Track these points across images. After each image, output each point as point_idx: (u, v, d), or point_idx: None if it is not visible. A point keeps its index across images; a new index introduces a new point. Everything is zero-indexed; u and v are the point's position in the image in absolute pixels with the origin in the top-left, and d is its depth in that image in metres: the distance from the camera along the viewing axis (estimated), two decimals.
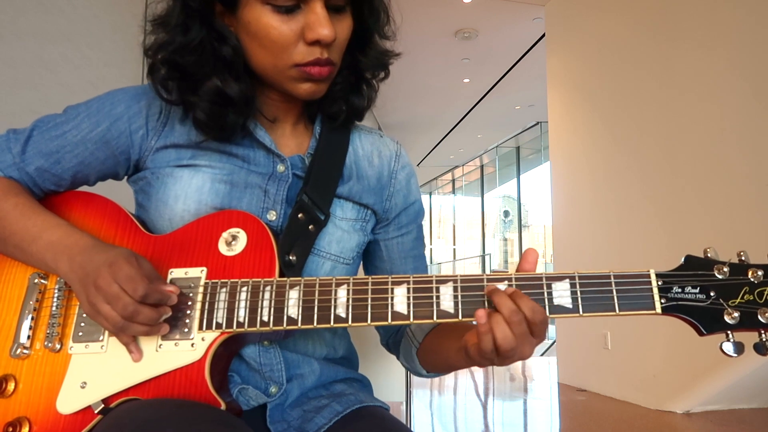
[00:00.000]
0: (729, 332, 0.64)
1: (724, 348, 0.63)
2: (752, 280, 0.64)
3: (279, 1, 0.69)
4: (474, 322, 0.66)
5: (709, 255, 0.66)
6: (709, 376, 3.05)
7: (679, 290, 0.65)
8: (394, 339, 0.94)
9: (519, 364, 6.13)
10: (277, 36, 0.71)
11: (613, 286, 0.66)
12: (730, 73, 2.97)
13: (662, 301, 0.65)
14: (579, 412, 3.53)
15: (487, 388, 4.47)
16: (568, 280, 0.67)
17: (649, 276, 0.66)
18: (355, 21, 0.76)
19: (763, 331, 0.63)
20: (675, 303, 0.65)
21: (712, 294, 0.65)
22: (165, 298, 0.67)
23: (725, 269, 0.65)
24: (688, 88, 3.25)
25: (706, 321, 0.64)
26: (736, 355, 0.63)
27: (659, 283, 0.66)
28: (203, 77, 0.74)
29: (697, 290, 0.65)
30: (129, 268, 0.64)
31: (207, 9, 0.72)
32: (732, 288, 0.64)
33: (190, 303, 0.71)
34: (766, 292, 0.64)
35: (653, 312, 0.65)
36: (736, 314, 0.64)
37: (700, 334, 0.65)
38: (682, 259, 0.67)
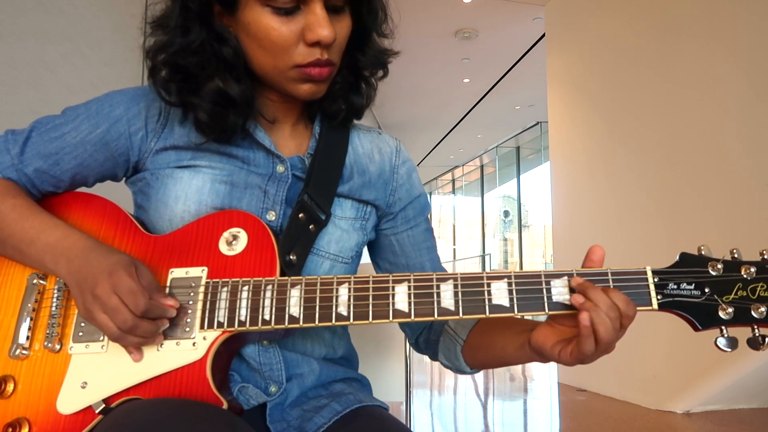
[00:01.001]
0: (723, 327, 0.65)
1: (718, 343, 0.64)
2: (745, 276, 0.65)
3: (279, 3, 0.69)
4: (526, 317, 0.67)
5: (703, 252, 0.68)
6: (709, 376, 3.05)
7: (675, 287, 0.66)
8: (426, 337, 0.93)
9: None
10: (277, 37, 0.71)
11: (611, 283, 0.67)
12: (730, 72, 2.97)
13: (659, 297, 0.66)
14: (579, 412, 3.53)
15: (487, 388, 4.47)
16: (566, 277, 0.67)
17: (645, 273, 0.67)
18: (353, 20, 0.76)
19: (756, 326, 0.64)
20: (671, 299, 0.66)
21: (706, 290, 0.66)
22: (165, 312, 0.67)
23: (719, 266, 0.66)
24: (688, 89, 3.25)
25: (702, 317, 0.65)
26: (729, 350, 0.64)
27: (655, 279, 0.67)
28: (205, 78, 0.74)
29: (692, 287, 0.66)
30: (129, 281, 0.64)
31: (206, 10, 0.72)
32: (726, 284, 0.66)
33: (191, 303, 0.71)
34: (758, 288, 0.65)
35: (650, 308, 0.66)
36: (730, 310, 0.65)
37: (696, 329, 0.66)
38: (677, 257, 0.68)
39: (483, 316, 0.67)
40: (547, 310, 0.67)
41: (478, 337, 0.83)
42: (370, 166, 0.88)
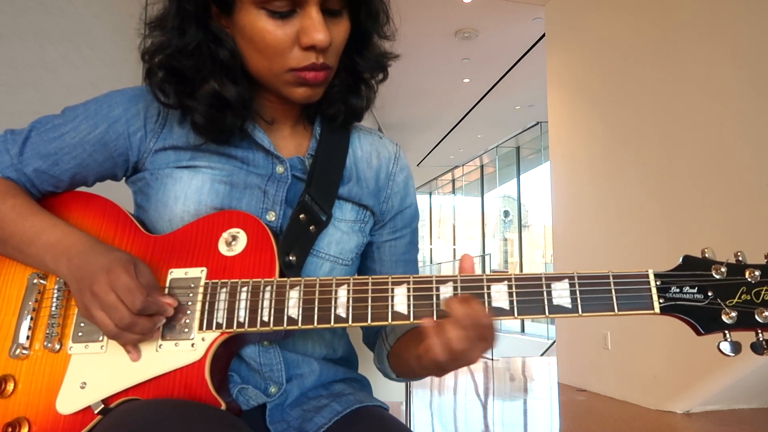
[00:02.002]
0: (726, 332, 0.64)
1: (721, 347, 0.63)
2: (749, 280, 0.65)
3: (274, 6, 0.69)
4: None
5: (706, 255, 0.67)
6: (709, 376, 3.05)
7: (678, 290, 0.65)
8: (372, 340, 0.94)
9: (519, 364, 6.13)
10: (272, 41, 0.70)
11: (612, 286, 0.66)
12: (730, 72, 2.97)
13: (661, 301, 0.65)
14: (579, 412, 3.53)
15: (487, 388, 4.47)
16: (567, 280, 0.67)
17: (647, 276, 0.66)
18: (352, 23, 0.76)
19: (760, 331, 0.63)
20: (673, 303, 0.65)
21: (709, 294, 0.65)
22: (162, 311, 0.67)
23: (723, 269, 0.66)
24: (688, 89, 3.25)
25: (704, 321, 0.64)
26: (733, 354, 0.63)
27: (657, 283, 0.66)
28: (200, 81, 0.73)
29: (695, 290, 0.65)
30: (127, 278, 0.64)
31: (203, 12, 0.72)
32: (729, 288, 0.65)
33: (190, 303, 0.71)
34: (763, 292, 0.64)
35: (652, 312, 0.65)
36: (733, 314, 0.64)
37: (698, 333, 0.65)
38: (680, 260, 0.67)
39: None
40: (547, 313, 0.66)
41: (400, 345, 0.82)
42: (367, 171, 0.87)
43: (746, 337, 0.64)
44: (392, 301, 0.68)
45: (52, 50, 2.03)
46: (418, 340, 0.74)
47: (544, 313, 0.66)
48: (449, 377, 4.75)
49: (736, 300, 0.64)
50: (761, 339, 0.63)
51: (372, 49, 0.81)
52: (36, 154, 0.78)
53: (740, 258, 0.66)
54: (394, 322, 0.68)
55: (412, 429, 0.80)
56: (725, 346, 0.63)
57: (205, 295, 0.71)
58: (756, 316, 0.63)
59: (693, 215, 3.17)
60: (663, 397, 3.33)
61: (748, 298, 0.64)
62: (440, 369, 0.68)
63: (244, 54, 0.74)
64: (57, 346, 0.70)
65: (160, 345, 0.69)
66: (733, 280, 0.65)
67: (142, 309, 0.64)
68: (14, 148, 0.78)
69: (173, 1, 0.72)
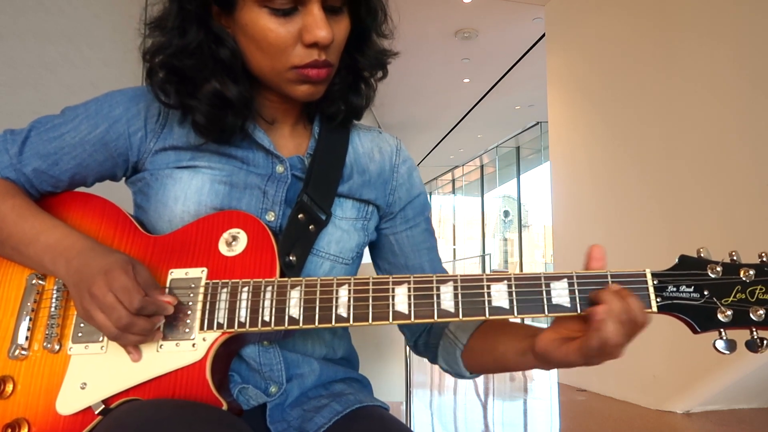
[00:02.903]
0: (722, 330, 0.65)
1: (717, 346, 0.64)
2: (744, 279, 0.65)
3: (276, 4, 0.69)
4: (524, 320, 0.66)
5: (702, 255, 0.67)
6: (709, 376, 3.05)
7: (674, 289, 0.66)
8: (425, 340, 0.92)
9: None
10: (274, 38, 0.70)
11: (610, 285, 0.66)
12: (731, 71, 2.97)
13: (658, 300, 0.66)
14: (579, 412, 3.53)
15: (487, 388, 4.47)
16: (566, 279, 0.67)
17: (645, 275, 0.67)
18: (352, 21, 0.76)
19: (755, 329, 0.64)
20: (670, 302, 0.66)
21: (705, 293, 0.66)
22: (161, 310, 0.67)
23: (718, 269, 0.66)
24: (688, 89, 3.25)
25: (700, 319, 0.65)
26: (728, 352, 0.64)
27: (655, 282, 0.66)
28: (202, 80, 0.73)
29: (692, 289, 0.66)
30: (125, 278, 0.64)
31: (204, 11, 0.72)
32: (725, 287, 0.65)
33: (190, 303, 0.71)
34: (757, 291, 0.65)
35: (649, 310, 0.66)
36: (729, 312, 0.64)
37: (695, 332, 0.66)
38: (677, 259, 0.68)
39: (483, 318, 0.67)
40: (546, 312, 0.67)
41: (478, 342, 0.82)
42: (370, 165, 0.88)
43: (741, 336, 0.64)
44: (393, 300, 0.68)
45: (52, 50, 2.03)
46: (513, 334, 0.75)
47: (544, 312, 0.67)
48: (449, 377, 4.75)
49: (731, 299, 0.65)
50: (756, 337, 0.63)
51: (372, 47, 0.81)
52: (35, 154, 0.78)
53: (735, 258, 0.67)
54: (394, 322, 0.68)
55: (412, 429, 0.80)
56: (721, 344, 0.64)
57: (205, 295, 0.71)
58: (751, 315, 0.64)
59: (693, 215, 3.17)
60: (663, 397, 3.33)
61: (743, 296, 0.65)
62: (549, 363, 0.68)
63: (246, 53, 0.74)
64: (56, 347, 0.70)
65: (161, 345, 0.69)
66: (729, 279, 0.66)
67: (140, 309, 0.64)
68: (13, 148, 0.78)
69: (174, 1, 0.72)
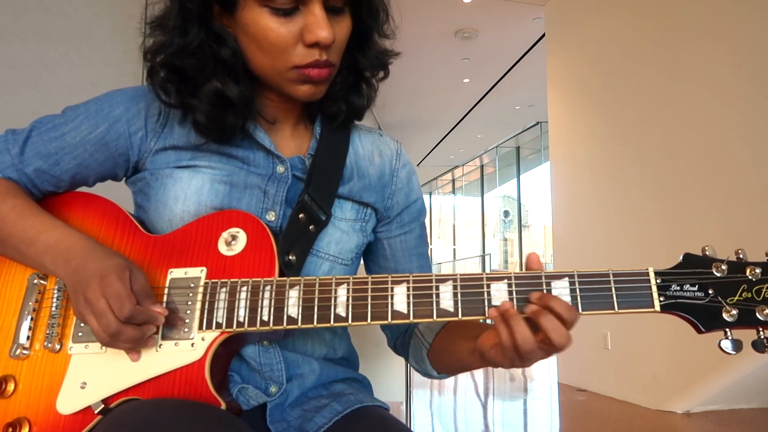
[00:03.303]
0: (727, 330, 0.64)
1: (722, 346, 0.63)
2: (750, 278, 0.64)
3: (277, 4, 0.69)
4: (485, 321, 0.67)
5: (707, 253, 0.66)
6: (709, 376, 3.05)
7: (678, 288, 0.65)
8: (402, 340, 0.93)
9: None
10: (276, 38, 0.70)
11: (612, 284, 0.66)
12: (731, 71, 2.97)
13: (661, 299, 0.65)
14: (579, 412, 3.53)
15: (487, 388, 4.47)
16: (567, 278, 0.67)
17: (647, 274, 0.66)
18: (353, 21, 0.76)
19: (761, 329, 0.63)
20: (674, 301, 0.65)
21: (710, 292, 0.65)
22: (151, 320, 0.67)
23: (723, 267, 0.65)
24: (688, 88, 3.25)
25: (705, 319, 0.64)
26: (734, 352, 0.63)
27: (658, 281, 0.66)
28: (203, 80, 0.73)
29: (696, 288, 0.65)
30: (118, 285, 0.64)
31: (205, 10, 0.72)
32: (730, 286, 0.64)
33: (189, 303, 0.71)
34: (764, 290, 0.64)
35: (652, 310, 0.65)
36: (734, 312, 0.64)
37: (699, 331, 0.65)
38: (681, 257, 0.67)
39: (483, 317, 0.67)
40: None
41: (440, 342, 0.83)
42: (370, 168, 0.88)
43: (747, 335, 0.64)
44: (392, 300, 0.68)
45: (52, 50, 2.03)
46: (469, 334, 0.75)
47: None
48: (449, 377, 4.75)
49: (737, 298, 0.64)
50: (762, 337, 0.62)
51: (373, 47, 0.81)
52: (37, 154, 0.78)
53: (741, 256, 0.66)
54: (394, 321, 0.68)
55: (412, 429, 0.80)
56: (726, 344, 0.63)
57: (204, 294, 0.71)
58: (757, 314, 0.63)
59: (693, 215, 3.17)
60: (663, 397, 3.33)
61: (749, 295, 0.64)
62: (508, 362, 0.68)
63: (247, 52, 0.74)
64: (57, 347, 0.70)
65: (160, 345, 0.69)
66: (734, 277, 0.65)
67: (129, 317, 0.64)
68: (15, 148, 0.78)
69: (175, 0, 0.72)
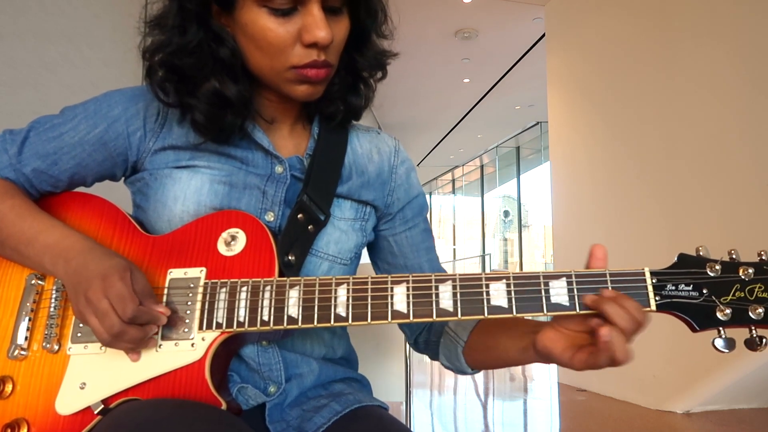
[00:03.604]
0: (721, 329, 0.65)
1: (716, 344, 0.64)
2: (743, 277, 0.65)
3: (276, 4, 0.69)
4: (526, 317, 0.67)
5: (701, 253, 0.67)
6: (709, 376, 3.05)
7: (673, 288, 0.66)
8: (426, 338, 0.92)
9: None
10: (274, 38, 0.70)
11: (609, 284, 0.67)
12: (731, 71, 2.97)
13: (657, 298, 0.66)
14: (579, 412, 3.53)
15: (487, 388, 4.47)
16: (564, 278, 0.67)
17: (643, 274, 0.67)
18: (352, 21, 0.76)
19: (754, 327, 0.64)
20: (669, 300, 0.66)
21: (704, 291, 0.66)
22: (154, 320, 0.67)
23: (717, 267, 0.66)
24: (688, 89, 3.25)
25: (699, 318, 0.65)
26: (727, 350, 0.64)
27: (654, 280, 0.66)
28: (201, 79, 0.73)
29: (690, 288, 0.66)
30: (121, 285, 0.64)
31: (204, 10, 0.72)
32: (724, 285, 0.65)
33: (189, 303, 0.71)
34: (756, 289, 0.65)
35: (648, 309, 0.66)
36: (728, 311, 0.64)
37: (693, 330, 0.66)
38: (676, 257, 0.68)
39: (482, 317, 0.67)
40: (545, 312, 0.67)
41: (479, 338, 0.82)
42: (368, 166, 0.88)
43: (740, 334, 0.64)
44: (392, 299, 0.68)
45: (52, 50, 2.03)
46: (513, 331, 0.75)
47: (543, 311, 0.67)
48: (449, 377, 4.75)
49: (730, 297, 0.65)
50: (755, 335, 0.63)
51: (371, 48, 0.81)
52: (35, 154, 0.78)
53: (734, 256, 0.67)
54: (393, 321, 0.68)
55: (412, 429, 0.80)
56: (720, 343, 0.64)
57: (204, 294, 0.71)
58: (750, 313, 0.64)
59: (693, 215, 3.17)
60: (663, 397, 3.33)
61: (742, 295, 0.65)
62: (551, 360, 0.69)
63: (245, 52, 0.74)
64: (56, 347, 0.70)
65: (160, 345, 0.69)
66: (728, 277, 0.66)
67: (133, 318, 0.64)
68: (13, 148, 0.78)
69: (174, 0, 0.72)
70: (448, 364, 0.88)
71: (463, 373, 0.86)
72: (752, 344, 0.63)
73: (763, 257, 0.66)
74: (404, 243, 0.91)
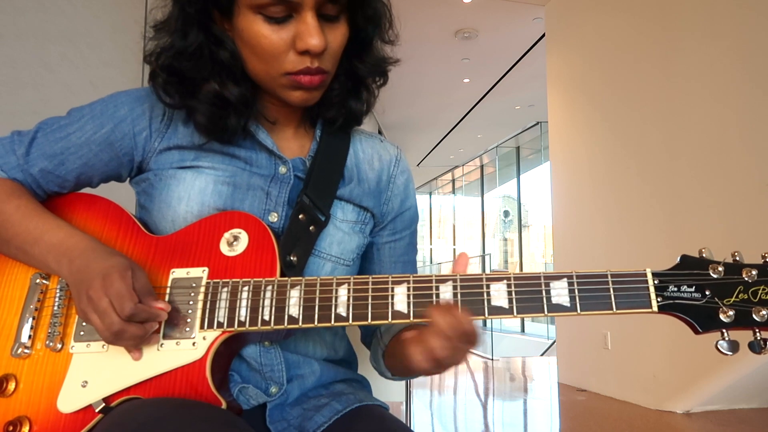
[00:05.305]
0: (724, 331, 0.64)
1: (719, 346, 0.64)
2: (746, 279, 0.65)
3: (270, 12, 0.70)
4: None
5: (704, 255, 0.67)
6: (709, 376, 3.06)
7: (675, 289, 0.66)
8: (370, 338, 0.93)
9: (519, 363, 6.14)
10: (268, 45, 0.71)
11: (611, 285, 0.67)
12: (731, 71, 2.97)
13: (659, 299, 0.66)
14: (579, 412, 3.53)
15: (487, 388, 4.48)
16: (565, 279, 0.67)
17: (645, 275, 0.67)
18: (351, 28, 0.76)
19: (757, 330, 0.64)
20: (671, 302, 0.66)
21: (707, 293, 0.65)
22: (154, 317, 0.67)
23: (720, 269, 0.66)
24: (688, 88, 3.26)
25: (702, 319, 0.65)
26: (731, 353, 0.63)
27: (655, 282, 0.66)
28: (201, 81, 0.74)
29: (693, 289, 0.66)
30: (120, 284, 0.65)
31: (204, 15, 0.73)
32: (727, 287, 0.65)
33: (191, 303, 0.71)
34: (760, 291, 0.64)
35: (650, 310, 0.66)
36: (731, 313, 0.64)
37: (696, 332, 0.66)
38: (678, 259, 0.68)
39: (482, 317, 0.67)
40: (546, 312, 0.67)
41: (393, 345, 0.82)
42: (369, 173, 0.88)
43: (744, 336, 0.64)
44: (392, 300, 0.69)
45: (52, 50, 2.03)
46: (413, 340, 0.74)
47: (543, 312, 0.67)
48: (449, 377, 4.75)
49: (733, 299, 0.65)
50: (759, 338, 0.63)
51: (372, 54, 0.81)
52: (42, 155, 0.78)
53: (737, 258, 0.67)
54: (394, 321, 0.68)
55: (412, 429, 0.80)
56: (723, 345, 0.64)
57: (206, 294, 0.71)
58: (753, 315, 0.64)
59: (693, 215, 3.18)
60: (663, 397, 3.33)
61: (746, 297, 0.64)
62: (431, 370, 0.69)
63: (244, 57, 0.75)
64: (59, 346, 0.70)
65: (162, 344, 0.69)
66: (731, 279, 0.65)
67: (131, 315, 0.64)
68: (21, 149, 0.78)
69: (176, 5, 0.74)
70: (375, 365, 0.90)
71: (384, 375, 0.87)
72: (756, 347, 0.63)
73: (767, 259, 0.66)
74: (386, 253, 0.92)
